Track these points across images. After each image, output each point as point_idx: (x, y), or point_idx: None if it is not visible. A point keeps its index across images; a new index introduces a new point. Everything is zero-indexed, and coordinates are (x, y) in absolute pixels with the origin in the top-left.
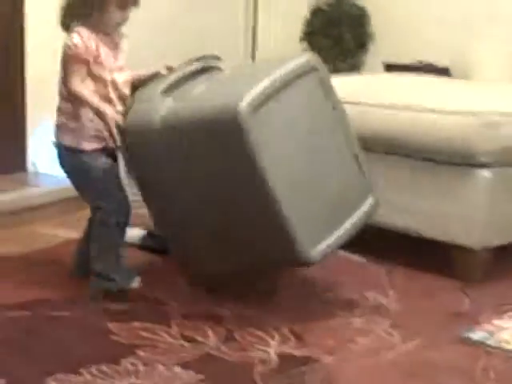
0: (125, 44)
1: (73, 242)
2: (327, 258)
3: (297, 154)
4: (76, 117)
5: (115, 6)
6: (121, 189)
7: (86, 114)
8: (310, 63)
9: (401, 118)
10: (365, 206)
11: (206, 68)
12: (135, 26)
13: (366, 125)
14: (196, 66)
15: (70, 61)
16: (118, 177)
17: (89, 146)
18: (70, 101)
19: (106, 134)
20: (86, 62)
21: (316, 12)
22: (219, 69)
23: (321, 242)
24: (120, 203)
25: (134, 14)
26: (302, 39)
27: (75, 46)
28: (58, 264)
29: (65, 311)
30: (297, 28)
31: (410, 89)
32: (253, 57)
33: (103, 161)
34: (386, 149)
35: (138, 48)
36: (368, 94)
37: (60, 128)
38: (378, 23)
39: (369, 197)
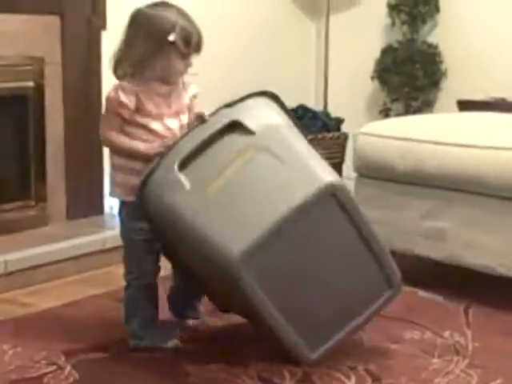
0: (192, 88)
1: None
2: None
3: (301, 278)
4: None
5: (177, 56)
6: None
7: None
8: (326, 189)
9: (477, 156)
10: (377, 304)
11: (233, 124)
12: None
13: (440, 163)
14: (221, 123)
15: (105, 111)
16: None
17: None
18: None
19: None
20: (120, 115)
21: (387, 50)
22: (246, 129)
23: (323, 345)
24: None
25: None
26: (373, 77)
27: (108, 100)
28: None
29: (144, 352)
30: (368, 66)
31: (485, 127)
32: (325, 94)
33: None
34: (462, 187)
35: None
36: (442, 132)
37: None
38: (450, 60)
39: (386, 292)
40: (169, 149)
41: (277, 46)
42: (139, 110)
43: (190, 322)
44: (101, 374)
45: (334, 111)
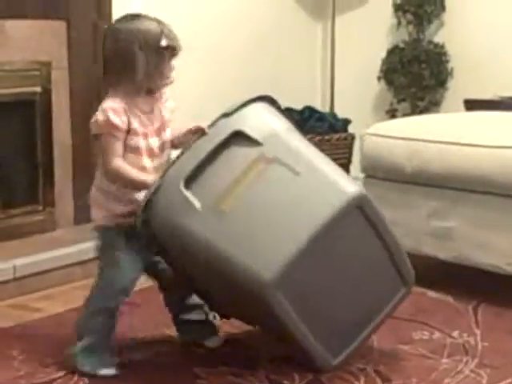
0: (170, 102)
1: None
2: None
3: (328, 291)
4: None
5: (167, 60)
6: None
7: None
8: (353, 202)
9: (484, 156)
10: (392, 303)
11: (236, 134)
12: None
13: (447, 163)
14: (223, 135)
15: (103, 138)
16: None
17: None
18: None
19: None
20: (118, 138)
21: (393, 50)
22: (250, 139)
23: (344, 350)
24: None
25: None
26: (379, 78)
27: (101, 124)
28: (150, 305)
29: (153, 356)
30: (374, 66)
31: (492, 126)
32: (331, 95)
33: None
34: (470, 186)
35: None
36: (449, 131)
37: None
38: (456, 59)
39: (400, 290)
40: (169, 167)
41: (283, 47)
42: (129, 130)
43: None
44: (110, 378)
45: (341, 112)
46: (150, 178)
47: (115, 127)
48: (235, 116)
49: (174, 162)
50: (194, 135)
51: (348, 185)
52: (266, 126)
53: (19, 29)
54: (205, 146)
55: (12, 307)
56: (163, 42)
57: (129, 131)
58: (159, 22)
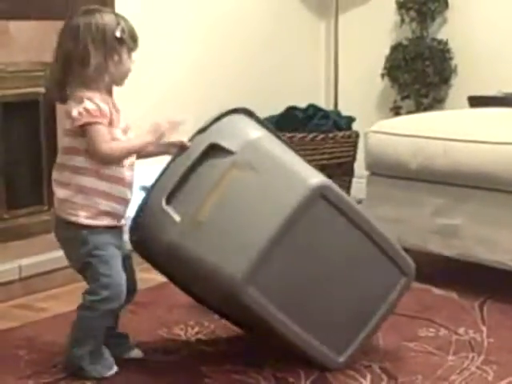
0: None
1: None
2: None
3: (311, 285)
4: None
5: (127, 53)
6: None
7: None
8: (313, 192)
9: (489, 152)
10: (394, 294)
11: (212, 147)
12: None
13: (452, 160)
14: (199, 150)
15: (88, 128)
16: None
17: None
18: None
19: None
20: (104, 125)
21: (397, 48)
22: (225, 150)
23: (349, 347)
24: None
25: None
26: (383, 75)
27: (83, 114)
28: (156, 304)
29: (160, 354)
30: (378, 64)
31: (496, 122)
32: (335, 93)
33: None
34: (474, 183)
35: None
36: (453, 128)
37: None
38: (460, 56)
39: (400, 281)
40: (153, 185)
41: (286, 45)
42: (111, 122)
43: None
44: (116, 377)
45: (345, 110)
46: (147, 137)
47: (105, 114)
48: (211, 129)
49: (156, 179)
50: (174, 148)
51: (311, 177)
52: (241, 136)
53: (23, 29)
54: (183, 162)
55: (17, 307)
56: (117, 33)
57: (110, 122)
58: (117, 15)
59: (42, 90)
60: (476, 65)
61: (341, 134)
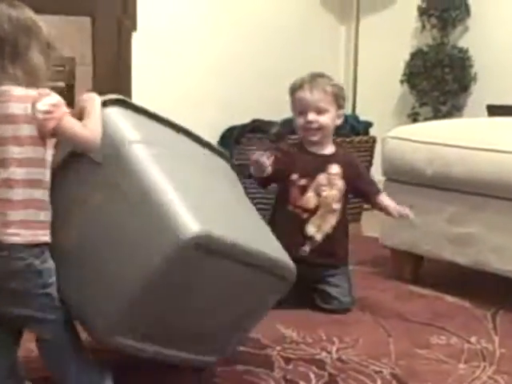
0: None
1: None
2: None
3: (179, 315)
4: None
5: (38, 49)
6: None
7: None
8: (185, 246)
9: (506, 161)
10: (274, 298)
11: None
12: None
13: (468, 168)
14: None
15: (61, 119)
16: None
17: None
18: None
19: None
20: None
21: (417, 54)
22: (89, 159)
23: (225, 349)
24: None
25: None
26: (402, 81)
27: (55, 105)
28: None
29: None
30: (398, 70)
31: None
32: (354, 97)
33: None
34: (490, 192)
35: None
36: (471, 137)
37: None
38: (480, 64)
39: (280, 287)
40: None
41: (306, 48)
42: None
43: None
44: (124, 377)
45: (363, 114)
46: (90, 103)
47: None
48: None
49: None
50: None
51: (187, 222)
52: (111, 140)
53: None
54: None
55: None
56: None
57: None
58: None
59: (62, 84)
60: (496, 74)
61: (358, 138)
